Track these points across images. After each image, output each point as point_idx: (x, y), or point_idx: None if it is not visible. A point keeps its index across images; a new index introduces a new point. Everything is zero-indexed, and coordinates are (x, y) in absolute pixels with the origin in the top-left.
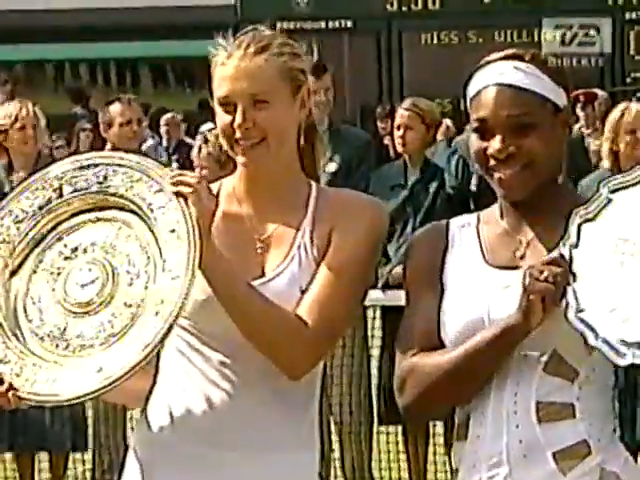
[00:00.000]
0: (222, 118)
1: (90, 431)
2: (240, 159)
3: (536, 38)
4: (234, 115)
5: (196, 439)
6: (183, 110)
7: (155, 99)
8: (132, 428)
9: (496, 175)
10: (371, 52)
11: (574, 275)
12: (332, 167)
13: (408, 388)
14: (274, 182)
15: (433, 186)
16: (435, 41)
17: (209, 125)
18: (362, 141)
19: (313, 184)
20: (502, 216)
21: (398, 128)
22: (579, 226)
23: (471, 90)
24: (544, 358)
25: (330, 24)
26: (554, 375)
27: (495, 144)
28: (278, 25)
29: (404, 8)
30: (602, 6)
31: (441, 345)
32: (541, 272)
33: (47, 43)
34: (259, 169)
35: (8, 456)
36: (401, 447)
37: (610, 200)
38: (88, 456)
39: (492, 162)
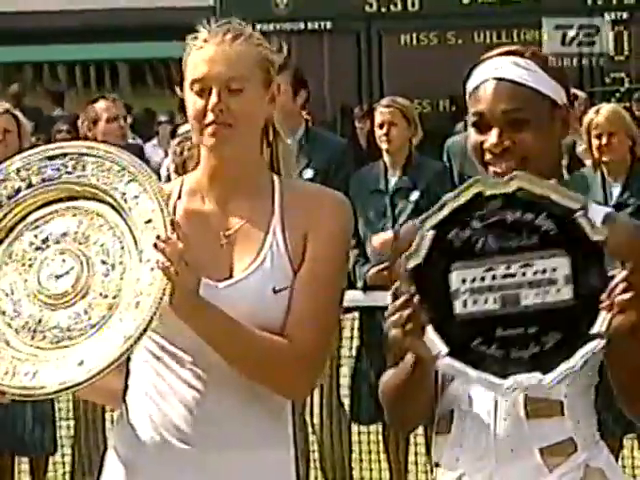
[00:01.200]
0: (195, 102)
1: (63, 433)
2: (208, 141)
3: (515, 38)
4: (207, 99)
5: (176, 439)
6: (168, 111)
7: (134, 100)
8: (111, 429)
9: (492, 169)
10: (350, 53)
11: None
12: (308, 174)
13: (382, 400)
14: (237, 173)
15: (415, 195)
16: (414, 42)
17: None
18: (339, 147)
19: (275, 177)
20: None
21: (381, 126)
22: None
23: (470, 85)
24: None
25: (309, 25)
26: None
27: (491, 138)
28: (257, 27)
29: (383, 9)
30: (585, 8)
31: None
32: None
33: (25, 45)
34: (223, 157)
35: None
36: (381, 447)
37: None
38: (68, 458)
39: (488, 156)
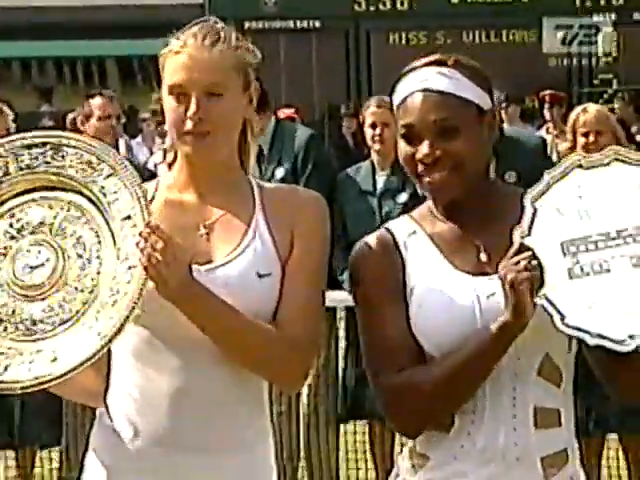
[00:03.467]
0: (173, 107)
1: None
2: (186, 149)
3: (503, 38)
4: (186, 105)
5: (156, 443)
6: (151, 109)
7: (123, 97)
8: None
9: (425, 179)
10: (339, 52)
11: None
12: (280, 173)
13: (407, 404)
14: (215, 172)
15: (403, 196)
16: (403, 42)
17: None
18: (304, 137)
19: (250, 177)
20: (446, 219)
21: (373, 126)
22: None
23: (397, 97)
24: (538, 361)
25: (298, 24)
26: (546, 379)
27: (423, 149)
28: (246, 24)
29: (372, 8)
30: (571, 8)
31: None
32: (516, 263)
33: (14, 40)
34: (202, 159)
35: None
36: (367, 446)
37: (536, 210)
38: (56, 454)
39: (420, 167)
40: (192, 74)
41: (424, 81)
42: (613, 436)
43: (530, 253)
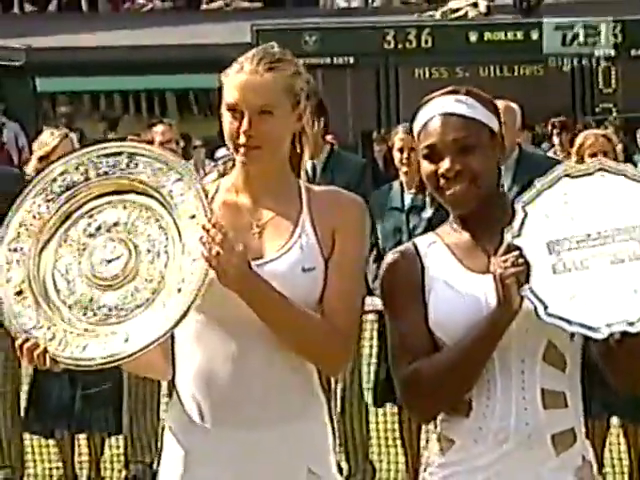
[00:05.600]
0: (230, 123)
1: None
2: (240, 158)
3: (515, 72)
4: (240, 121)
5: (222, 422)
6: (204, 136)
7: (179, 126)
8: (165, 410)
9: (447, 192)
10: (371, 85)
11: (527, 263)
12: None
13: (415, 392)
14: (268, 178)
15: (428, 212)
16: (427, 75)
17: (223, 151)
18: (359, 166)
19: (300, 181)
20: (462, 228)
21: (401, 151)
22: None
23: (418, 123)
24: (542, 348)
25: (335, 60)
26: (550, 364)
27: (445, 164)
28: None
29: (400, 46)
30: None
31: (434, 350)
32: (505, 260)
33: (85, 77)
34: (255, 168)
35: (51, 442)
36: (397, 434)
37: (526, 214)
38: (122, 440)
39: (442, 181)
40: (246, 95)
41: (443, 107)
42: (616, 421)
43: (518, 252)
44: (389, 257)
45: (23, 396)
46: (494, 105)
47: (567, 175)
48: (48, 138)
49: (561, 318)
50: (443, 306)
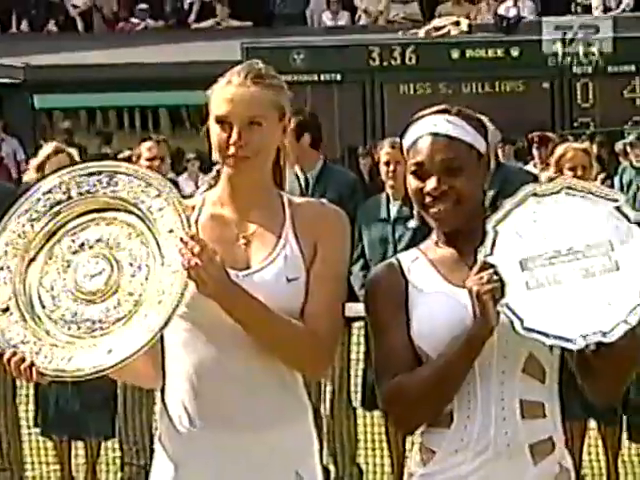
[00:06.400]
0: (218, 134)
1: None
2: (229, 170)
3: (496, 89)
4: (229, 132)
5: (208, 426)
6: (196, 150)
7: (172, 141)
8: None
9: (431, 210)
10: (357, 100)
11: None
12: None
13: (398, 405)
14: (253, 191)
15: (412, 223)
16: (411, 91)
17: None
18: (351, 180)
19: (283, 193)
20: (445, 244)
21: (387, 164)
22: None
23: (408, 139)
24: (522, 360)
25: (322, 77)
26: (530, 376)
27: (431, 183)
28: None
29: (385, 63)
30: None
31: (418, 364)
32: (480, 277)
33: (81, 93)
34: (242, 179)
35: (49, 444)
36: (384, 437)
37: (497, 233)
38: (117, 444)
39: (428, 199)
40: (235, 106)
41: (433, 126)
42: (593, 424)
43: (492, 270)
44: (372, 273)
45: (24, 400)
46: (483, 126)
47: (535, 194)
48: (45, 149)
49: (538, 332)
50: (426, 320)
